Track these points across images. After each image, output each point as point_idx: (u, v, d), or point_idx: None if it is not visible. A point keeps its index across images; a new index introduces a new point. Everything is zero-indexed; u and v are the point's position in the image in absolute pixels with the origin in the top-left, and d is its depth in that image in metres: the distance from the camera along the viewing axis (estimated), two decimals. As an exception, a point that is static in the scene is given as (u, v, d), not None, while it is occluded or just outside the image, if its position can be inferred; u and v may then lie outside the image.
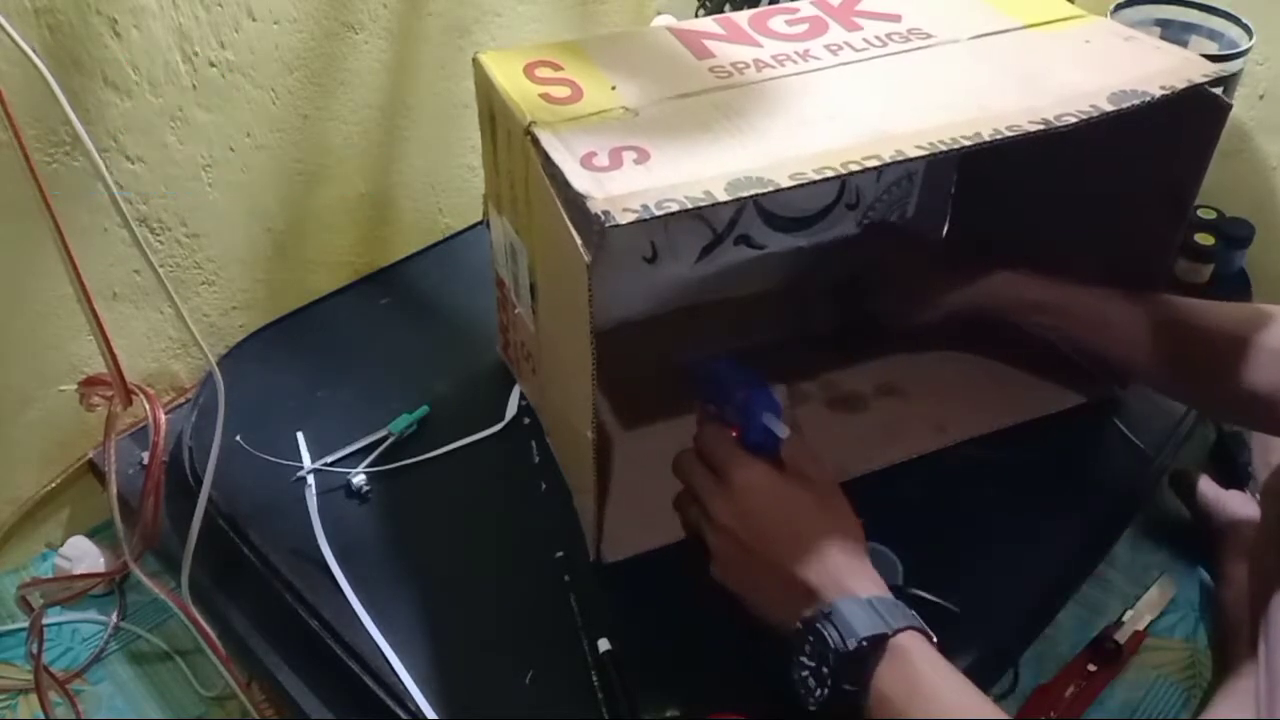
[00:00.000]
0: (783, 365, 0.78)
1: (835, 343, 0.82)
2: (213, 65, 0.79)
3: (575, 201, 0.52)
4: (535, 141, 0.57)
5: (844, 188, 0.83)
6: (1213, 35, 0.89)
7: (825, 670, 0.51)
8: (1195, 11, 0.90)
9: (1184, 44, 0.90)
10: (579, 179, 0.52)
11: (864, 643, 0.50)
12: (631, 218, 0.49)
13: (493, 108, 0.65)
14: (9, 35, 0.52)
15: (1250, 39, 0.85)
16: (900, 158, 0.53)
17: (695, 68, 0.64)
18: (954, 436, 0.74)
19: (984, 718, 0.49)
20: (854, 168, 0.53)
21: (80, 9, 0.70)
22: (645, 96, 0.60)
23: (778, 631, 0.55)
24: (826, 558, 0.54)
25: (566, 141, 0.56)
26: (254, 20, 0.80)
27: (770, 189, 0.51)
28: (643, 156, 0.54)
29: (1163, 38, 0.90)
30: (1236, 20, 0.87)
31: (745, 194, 0.51)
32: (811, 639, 0.52)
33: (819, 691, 0.52)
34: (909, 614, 0.52)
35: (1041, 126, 0.55)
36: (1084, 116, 0.56)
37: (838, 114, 0.59)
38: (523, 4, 1.02)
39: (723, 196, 0.51)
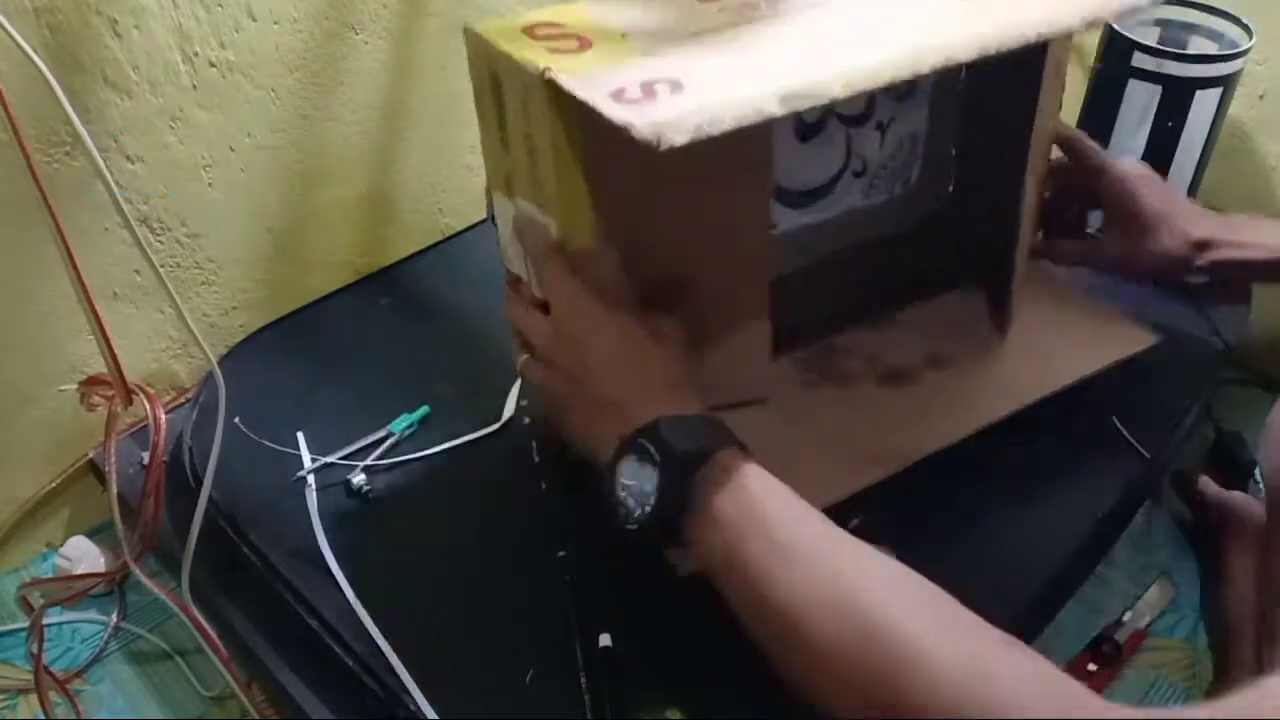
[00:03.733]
0: (816, 343, 0.78)
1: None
2: (213, 65, 0.79)
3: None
4: (555, 86, 0.54)
5: (849, 154, 0.81)
6: (1213, 35, 0.89)
7: (647, 489, 0.49)
8: (1195, 11, 0.90)
9: (1184, 44, 0.90)
10: (614, 111, 0.49)
11: (688, 455, 0.49)
12: (685, 138, 0.46)
13: (496, 74, 0.61)
14: (9, 35, 0.52)
15: (1250, 39, 0.85)
16: (951, 62, 0.52)
17: (704, 10, 0.61)
18: (1020, 399, 0.73)
19: (824, 534, 0.47)
20: (906, 75, 0.51)
21: (80, 9, 0.70)
22: (661, 39, 0.58)
23: (601, 464, 0.53)
24: (647, 381, 0.54)
25: (589, 83, 0.53)
26: (254, 20, 0.81)
27: (825, 100, 0.49)
28: (676, 87, 0.52)
29: (1163, 38, 0.90)
30: (1236, 20, 0.87)
31: (800, 106, 0.49)
32: (633, 455, 0.50)
33: (638, 511, 0.50)
34: (732, 435, 0.51)
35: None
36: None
37: (868, 36, 0.57)
38: (522, 3, 1.02)
39: (776, 110, 0.48)
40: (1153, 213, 0.77)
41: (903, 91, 0.77)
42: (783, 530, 0.47)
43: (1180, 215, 0.77)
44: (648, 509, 0.49)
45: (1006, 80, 0.70)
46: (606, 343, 0.56)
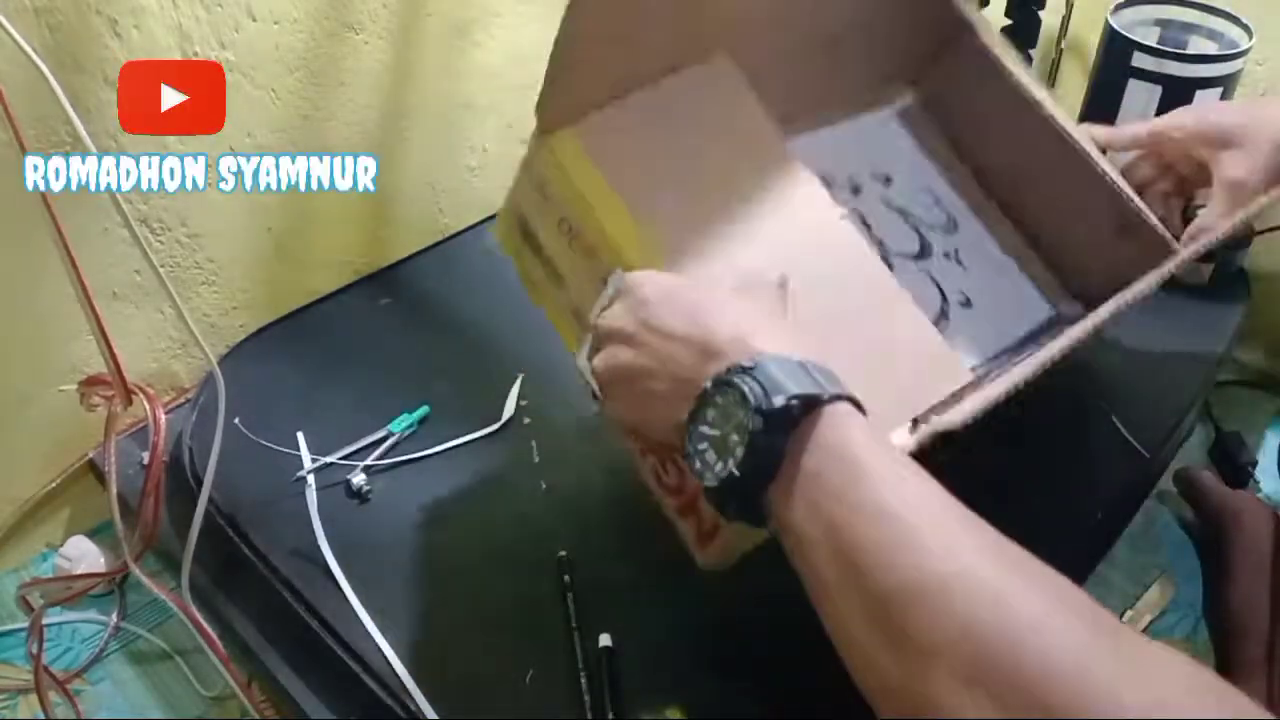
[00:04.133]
0: None
1: None
2: (213, 65, 0.79)
3: None
4: (560, 138, 0.53)
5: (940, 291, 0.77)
6: (1213, 35, 0.89)
7: (735, 439, 0.41)
8: (1195, 11, 0.90)
9: (1184, 44, 0.90)
10: None
11: (794, 401, 0.40)
12: None
13: (523, 217, 0.61)
14: (10, 35, 0.52)
15: (1250, 39, 0.85)
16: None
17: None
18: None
19: (938, 507, 0.39)
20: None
21: (80, 9, 0.70)
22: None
23: (677, 444, 0.45)
24: (745, 316, 0.45)
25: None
26: (254, 20, 0.80)
27: None
28: None
29: (1162, 38, 0.90)
30: (1236, 20, 0.87)
31: None
32: (720, 400, 0.42)
33: (719, 466, 0.42)
34: (845, 386, 0.42)
35: None
36: None
37: None
38: (523, 3, 1.02)
39: None
40: (1234, 124, 0.70)
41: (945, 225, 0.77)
42: (899, 501, 0.38)
43: (1255, 107, 0.71)
44: (730, 464, 0.41)
45: None
46: (693, 287, 0.48)
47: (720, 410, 0.42)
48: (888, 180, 0.77)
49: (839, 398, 0.41)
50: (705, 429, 0.43)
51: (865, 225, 0.75)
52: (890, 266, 0.71)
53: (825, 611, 0.39)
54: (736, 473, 0.41)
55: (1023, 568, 0.37)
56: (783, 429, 0.40)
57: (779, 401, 0.40)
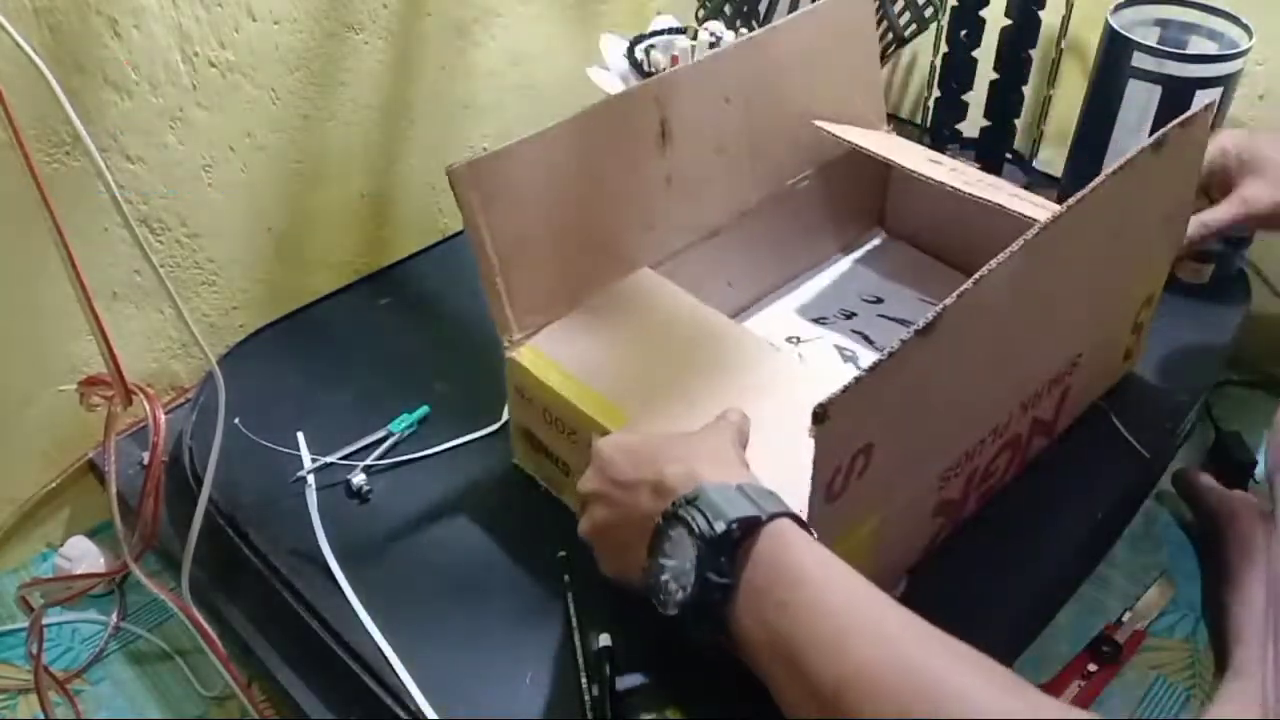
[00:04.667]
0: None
1: None
2: (213, 65, 0.79)
3: None
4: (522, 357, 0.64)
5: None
6: (1213, 35, 0.89)
7: (688, 566, 0.45)
8: (1195, 11, 0.90)
9: (1184, 44, 0.90)
10: None
11: (734, 525, 0.44)
12: None
13: (539, 441, 0.68)
14: (10, 35, 0.52)
15: (1250, 39, 0.85)
16: None
17: None
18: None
19: (875, 604, 0.43)
20: None
21: (80, 9, 0.70)
22: None
23: (644, 582, 0.48)
24: (691, 452, 0.50)
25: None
26: (254, 20, 0.81)
27: None
28: None
29: (1162, 38, 0.90)
30: (1236, 20, 0.87)
31: None
32: (671, 533, 0.46)
33: (679, 594, 0.46)
34: (783, 504, 0.46)
35: None
36: None
37: None
38: (523, 4, 1.02)
39: None
40: (1266, 157, 0.75)
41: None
42: (835, 602, 0.43)
43: None
44: (688, 592, 0.45)
45: None
46: (646, 439, 0.54)
47: (673, 543, 0.47)
48: (879, 300, 0.84)
49: (776, 515, 0.45)
50: (664, 560, 0.47)
51: (868, 340, 0.81)
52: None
53: (785, 710, 0.44)
54: (690, 599, 0.45)
55: (948, 647, 0.41)
56: (727, 552, 0.44)
57: (720, 528, 0.44)
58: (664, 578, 0.47)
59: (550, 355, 0.64)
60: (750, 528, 0.45)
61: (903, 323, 0.81)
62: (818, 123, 0.79)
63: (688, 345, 0.66)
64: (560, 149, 0.63)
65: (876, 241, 0.89)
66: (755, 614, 0.44)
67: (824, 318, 0.82)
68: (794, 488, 0.53)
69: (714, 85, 0.71)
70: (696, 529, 0.45)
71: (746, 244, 0.78)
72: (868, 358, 0.78)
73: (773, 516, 0.45)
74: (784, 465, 0.57)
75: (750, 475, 0.49)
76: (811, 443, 0.46)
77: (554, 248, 0.65)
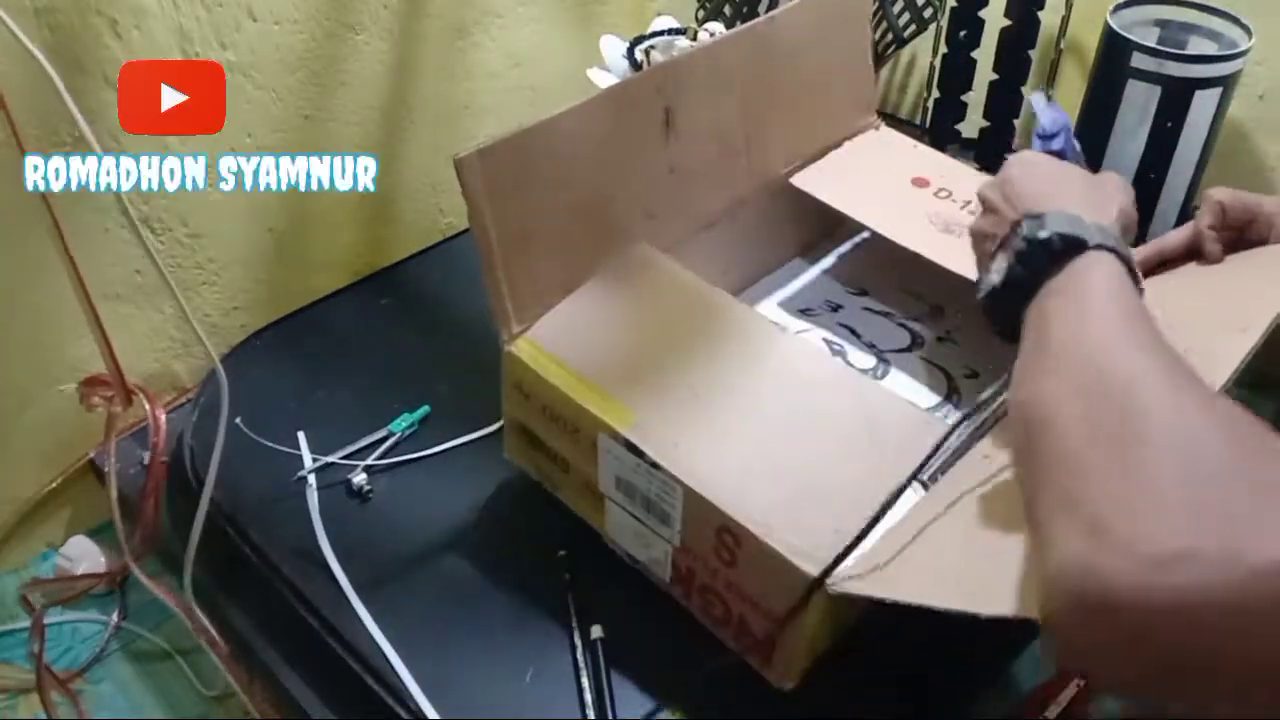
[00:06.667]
0: None
1: None
2: (213, 66, 0.79)
3: None
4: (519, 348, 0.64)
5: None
6: (1212, 35, 0.89)
7: (1007, 262, 0.51)
8: (1195, 11, 0.90)
9: (1183, 44, 0.90)
10: None
11: (1055, 238, 0.48)
12: None
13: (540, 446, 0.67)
14: (10, 35, 0.52)
15: (1250, 39, 0.85)
16: None
17: None
18: None
19: (1127, 346, 0.42)
20: None
21: (80, 9, 0.70)
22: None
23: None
24: (1065, 191, 0.54)
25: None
26: (255, 21, 0.81)
27: None
28: None
29: (1162, 38, 0.90)
30: (1236, 20, 0.87)
31: None
32: (1009, 235, 0.52)
33: (992, 277, 0.52)
34: (1121, 242, 0.49)
35: None
36: None
37: None
38: (523, 5, 1.02)
39: None
40: None
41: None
42: (1096, 319, 0.45)
43: None
44: (999, 277, 0.51)
45: None
46: (1045, 166, 0.58)
47: (1010, 249, 0.51)
48: (864, 292, 0.84)
49: (1103, 247, 0.48)
50: (995, 260, 0.53)
51: (854, 333, 0.81)
52: (887, 363, 0.78)
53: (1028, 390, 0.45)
54: (999, 285, 0.51)
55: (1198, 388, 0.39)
56: (1044, 258, 0.49)
57: (1043, 235, 0.49)
58: (989, 273, 0.53)
59: (549, 348, 0.64)
60: (1074, 246, 0.48)
61: (887, 315, 0.81)
62: (794, 181, 0.79)
63: (690, 328, 0.65)
64: (567, 137, 0.63)
65: (865, 234, 0.89)
66: (1038, 305, 0.48)
67: (811, 309, 0.82)
68: (806, 470, 0.54)
69: (715, 74, 0.71)
70: (1025, 231, 0.50)
71: (738, 234, 0.78)
72: (855, 352, 0.78)
73: (1100, 247, 0.48)
74: (789, 450, 0.57)
75: (1109, 219, 0.53)
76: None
77: (557, 239, 0.65)
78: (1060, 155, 0.63)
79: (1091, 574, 0.34)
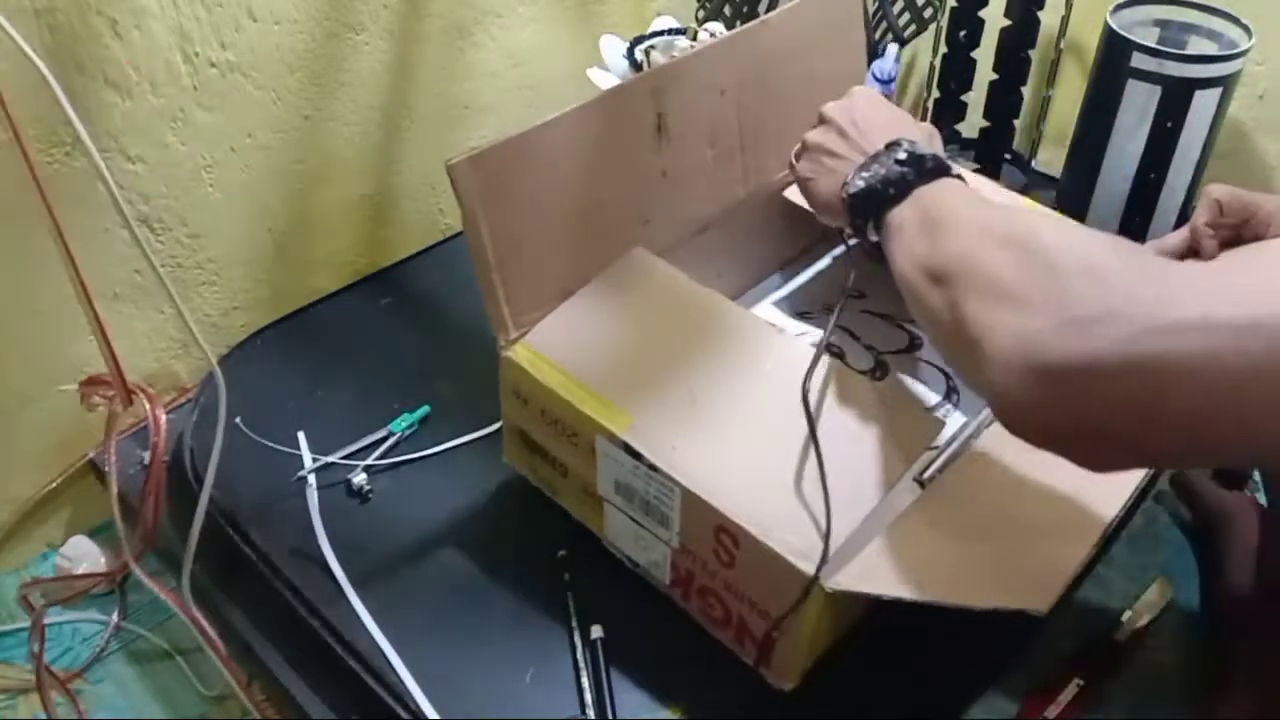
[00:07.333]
0: None
1: None
2: (213, 66, 0.79)
3: None
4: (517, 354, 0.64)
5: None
6: (1212, 35, 0.89)
7: (882, 172, 0.58)
8: (1195, 11, 0.90)
9: (1183, 44, 0.90)
10: None
11: (930, 157, 0.57)
12: None
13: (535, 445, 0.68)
14: (10, 35, 0.52)
15: (1250, 39, 0.85)
16: None
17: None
18: None
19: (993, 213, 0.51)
20: None
21: (80, 9, 0.70)
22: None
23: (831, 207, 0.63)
24: (903, 127, 0.63)
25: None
26: (255, 21, 0.81)
27: None
28: None
29: (1162, 38, 0.90)
30: (1236, 20, 0.87)
31: None
32: (883, 152, 0.59)
33: (864, 175, 0.59)
34: (955, 168, 0.58)
35: None
36: None
37: None
38: (523, 5, 1.02)
39: None
40: None
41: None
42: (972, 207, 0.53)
43: None
44: (874, 179, 0.58)
45: None
46: (883, 106, 0.66)
47: (880, 162, 0.59)
48: (862, 295, 0.83)
49: (958, 176, 0.58)
50: (871, 167, 0.59)
51: (853, 336, 0.81)
52: (885, 365, 0.78)
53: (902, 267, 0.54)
54: (877, 185, 0.58)
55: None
56: (918, 172, 0.57)
57: (921, 152, 0.58)
58: (862, 176, 0.59)
59: (547, 353, 0.64)
60: (939, 170, 0.57)
61: (884, 318, 0.81)
62: (786, 195, 0.79)
63: (686, 331, 0.65)
64: (561, 142, 0.63)
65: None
66: (914, 202, 0.56)
67: (808, 312, 0.82)
68: (803, 470, 0.55)
69: (708, 78, 0.71)
70: (905, 146, 0.59)
71: (734, 238, 0.78)
72: (853, 354, 0.78)
73: (939, 170, 0.57)
74: (786, 450, 0.57)
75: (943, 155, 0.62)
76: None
77: (551, 244, 0.65)
78: (889, 98, 0.72)
79: (1025, 338, 0.41)
